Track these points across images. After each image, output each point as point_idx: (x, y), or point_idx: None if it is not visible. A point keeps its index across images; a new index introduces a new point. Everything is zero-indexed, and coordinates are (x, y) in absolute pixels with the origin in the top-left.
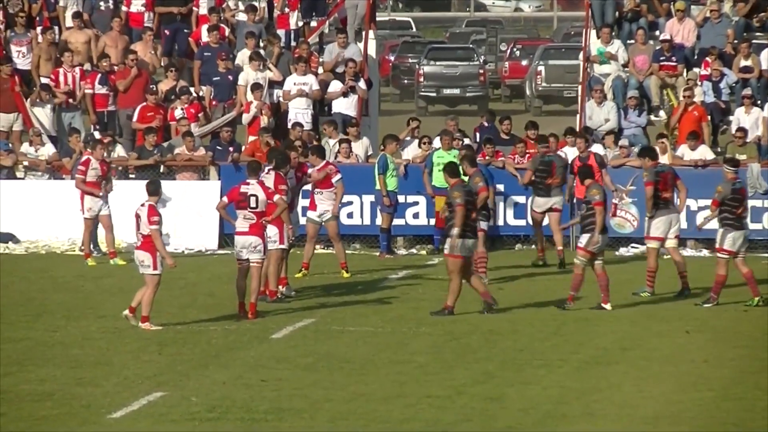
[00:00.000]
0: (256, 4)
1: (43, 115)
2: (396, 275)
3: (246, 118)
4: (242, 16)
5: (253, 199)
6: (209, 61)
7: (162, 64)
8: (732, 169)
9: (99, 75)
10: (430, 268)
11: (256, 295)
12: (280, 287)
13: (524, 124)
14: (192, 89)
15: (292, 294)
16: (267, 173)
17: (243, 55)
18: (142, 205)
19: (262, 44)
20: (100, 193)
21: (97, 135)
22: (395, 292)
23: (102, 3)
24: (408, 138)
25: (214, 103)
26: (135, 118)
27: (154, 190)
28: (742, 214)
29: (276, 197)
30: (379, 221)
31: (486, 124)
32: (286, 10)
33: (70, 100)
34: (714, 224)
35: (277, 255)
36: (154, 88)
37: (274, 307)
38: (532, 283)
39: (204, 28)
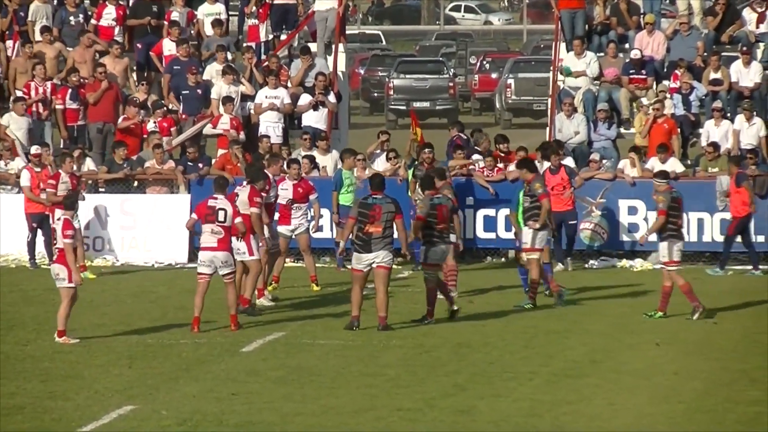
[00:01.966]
0: (222, 18)
1: (17, 129)
2: (366, 288)
3: (208, 128)
4: (208, 28)
5: (221, 213)
6: (179, 74)
7: (134, 77)
8: (663, 181)
9: (70, 90)
10: (400, 280)
11: (236, 308)
12: (260, 299)
13: (494, 137)
14: (162, 102)
15: (271, 303)
16: (243, 186)
17: (212, 69)
18: (58, 219)
19: (230, 57)
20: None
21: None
22: (365, 305)
23: (72, 18)
24: (377, 151)
25: (184, 116)
26: (119, 121)
27: (70, 204)
28: (681, 225)
29: (251, 209)
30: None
31: (463, 136)
32: (255, 21)
33: (41, 111)
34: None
35: (255, 265)
36: (137, 100)
37: (244, 320)
38: (502, 296)
39: (165, 42)
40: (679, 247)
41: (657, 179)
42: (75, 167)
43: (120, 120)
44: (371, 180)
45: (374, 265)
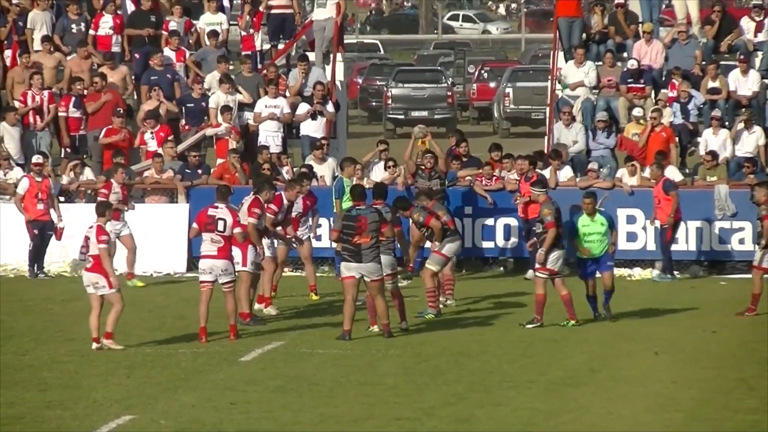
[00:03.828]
0: (217, 29)
1: (9, 138)
2: (365, 297)
3: (211, 131)
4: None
5: (221, 222)
6: (157, 84)
7: (133, 87)
8: (541, 190)
9: (73, 98)
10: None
11: (235, 317)
12: (266, 308)
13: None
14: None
15: (276, 311)
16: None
17: (212, 78)
18: (91, 227)
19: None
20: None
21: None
22: (363, 314)
23: (74, 26)
24: (375, 160)
25: (187, 127)
26: (102, 135)
27: (102, 211)
28: (562, 234)
29: (249, 219)
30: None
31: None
32: (251, 31)
33: (39, 122)
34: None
35: (246, 276)
36: (121, 111)
37: (243, 330)
38: (499, 304)
39: (165, 51)
40: (557, 256)
41: (535, 188)
42: (126, 178)
43: (101, 135)
44: (352, 191)
45: (366, 279)
